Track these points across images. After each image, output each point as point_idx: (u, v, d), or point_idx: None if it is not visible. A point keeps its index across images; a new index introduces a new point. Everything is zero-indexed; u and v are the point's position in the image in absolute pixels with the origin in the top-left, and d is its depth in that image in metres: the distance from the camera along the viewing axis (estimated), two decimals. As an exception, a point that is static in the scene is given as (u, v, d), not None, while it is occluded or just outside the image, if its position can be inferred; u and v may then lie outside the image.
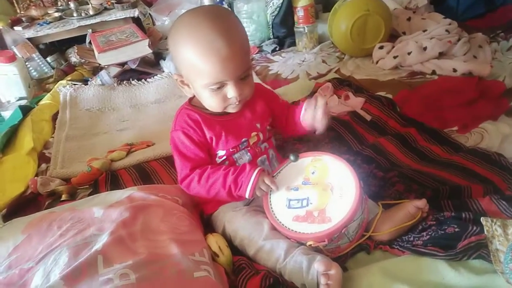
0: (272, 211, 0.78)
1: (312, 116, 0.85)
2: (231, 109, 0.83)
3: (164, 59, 1.93)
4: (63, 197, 1.09)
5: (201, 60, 0.73)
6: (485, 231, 0.71)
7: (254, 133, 0.87)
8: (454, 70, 1.43)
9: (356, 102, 1.31)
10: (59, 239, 0.74)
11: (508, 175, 0.90)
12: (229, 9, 0.81)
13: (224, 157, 0.85)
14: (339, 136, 1.17)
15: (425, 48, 1.53)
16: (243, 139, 0.86)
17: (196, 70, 0.76)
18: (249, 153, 0.86)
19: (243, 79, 0.78)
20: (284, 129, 0.97)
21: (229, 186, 0.79)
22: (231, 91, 0.77)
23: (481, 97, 1.27)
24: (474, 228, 0.72)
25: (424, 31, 1.64)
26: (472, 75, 1.39)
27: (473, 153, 0.99)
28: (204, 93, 0.79)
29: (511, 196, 0.82)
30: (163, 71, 1.89)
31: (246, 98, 0.82)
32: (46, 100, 1.68)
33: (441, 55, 1.52)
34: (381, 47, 1.65)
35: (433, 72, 1.48)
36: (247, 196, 0.79)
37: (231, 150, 0.85)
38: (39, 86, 1.91)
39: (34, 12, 2.20)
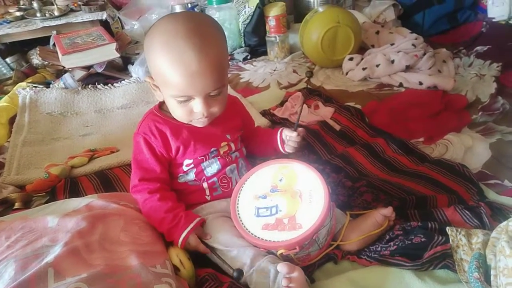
0: (240, 220, 0.75)
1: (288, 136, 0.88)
2: (196, 123, 0.79)
3: (133, 64, 1.87)
4: (16, 205, 1.01)
5: (169, 70, 0.70)
6: (450, 240, 0.72)
7: (224, 143, 0.84)
8: (420, 83, 1.47)
9: (325, 112, 1.32)
10: (6, 250, 0.67)
11: (471, 185, 0.92)
12: (214, 19, 0.77)
13: (192, 165, 0.82)
14: (308, 145, 1.16)
15: (392, 61, 1.57)
16: (212, 149, 0.83)
17: (164, 79, 0.73)
18: (218, 162, 0.84)
19: (213, 96, 0.75)
20: (248, 148, 0.95)
21: (161, 230, 0.78)
22: (197, 106, 0.74)
23: (445, 110, 1.31)
24: (440, 238, 0.73)
25: (392, 44, 1.68)
26: (437, 89, 1.43)
27: (438, 164, 1.01)
28: (171, 102, 0.77)
29: (474, 206, 0.83)
30: (131, 76, 1.83)
31: (214, 115, 0.79)
32: (3, 102, 1.58)
33: (407, 68, 1.56)
34: (350, 59, 1.67)
35: (400, 85, 1.52)
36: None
37: (199, 158, 0.82)
38: (-4, 88, 1.80)
39: (-7, 11, 2.09)
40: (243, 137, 0.93)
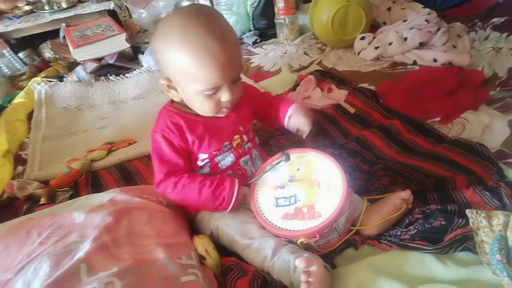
0: (260, 211, 0.76)
1: (297, 124, 0.86)
2: (221, 113, 0.80)
3: (143, 53, 1.88)
4: (42, 200, 1.05)
5: (197, 67, 0.70)
6: (470, 223, 0.72)
7: (237, 136, 0.85)
8: (435, 60, 1.44)
9: (339, 95, 1.31)
10: (38, 247, 0.70)
11: (490, 165, 0.91)
12: (215, 8, 0.78)
13: (207, 160, 0.83)
14: (323, 129, 1.16)
15: (405, 39, 1.54)
16: (226, 143, 0.83)
17: (190, 76, 0.72)
18: (232, 155, 0.84)
19: (235, 82, 0.76)
20: (264, 122, 0.96)
21: (204, 200, 0.78)
22: (225, 95, 0.74)
23: (461, 87, 1.28)
24: (460, 220, 0.73)
25: (404, 21, 1.64)
26: (452, 65, 1.40)
27: (455, 144, 1.00)
28: (197, 99, 0.76)
29: (494, 186, 0.83)
30: (142, 66, 1.84)
31: (236, 101, 0.80)
32: (19, 98, 1.61)
33: (421, 45, 1.53)
34: (362, 38, 1.65)
35: (414, 63, 1.49)
36: (228, 211, 0.78)
37: (213, 153, 0.82)
38: (11, 83, 1.83)
39: (2, 6, 2.10)
40: (258, 111, 0.93)
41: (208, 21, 0.70)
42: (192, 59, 0.70)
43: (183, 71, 0.72)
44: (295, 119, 0.88)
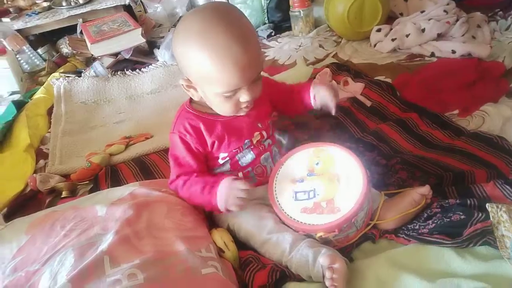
0: (279, 204, 0.77)
1: (324, 101, 0.86)
2: (241, 112, 0.80)
3: (158, 48, 1.89)
4: (64, 194, 1.08)
5: (218, 71, 0.69)
6: (490, 217, 0.71)
7: (256, 133, 0.85)
8: (453, 52, 1.42)
9: (355, 88, 1.30)
10: (63, 239, 0.73)
11: (511, 158, 0.90)
12: (235, 6, 0.77)
13: (227, 158, 0.84)
14: (340, 123, 1.16)
15: (423, 30, 1.51)
16: (246, 140, 0.83)
17: (210, 79, 0.72)
18: (252, 152, 0.85)
19: (254, 81, 0.75)
20: (286, 111, 0.97)
21: (204, 202, 0.79)
22: (244, 96, 0.74)
23: (481, 79, 1.26)
24: (480, 214, 0.72)
25: (422, 11, 1.61)
26: (471, 57, 1.38)
27: (475, 137, 0.98)
28: (216, 100, 0.76)
29: (515, 180, 0.82)
30: (158, 60, 1.86)
31: (256, 99, 0.79)
32: (40, 93, 1.65)
33: (439, 36, 1.50)
34: (378, 30, 1.62)
35: (432, 54, 1.47)
36: (222, 210, 0.78)
37: (233, 151, 0.83)
38: (31, 79, 1.87)
39: (21, 2, 2.14)
40: (277, 102, 0.93)
41: (230, 23, 0.69)
42: (213, 63, 0.69)
43: (203, 74, 0.72)
44: (319, 97, 0.88)
